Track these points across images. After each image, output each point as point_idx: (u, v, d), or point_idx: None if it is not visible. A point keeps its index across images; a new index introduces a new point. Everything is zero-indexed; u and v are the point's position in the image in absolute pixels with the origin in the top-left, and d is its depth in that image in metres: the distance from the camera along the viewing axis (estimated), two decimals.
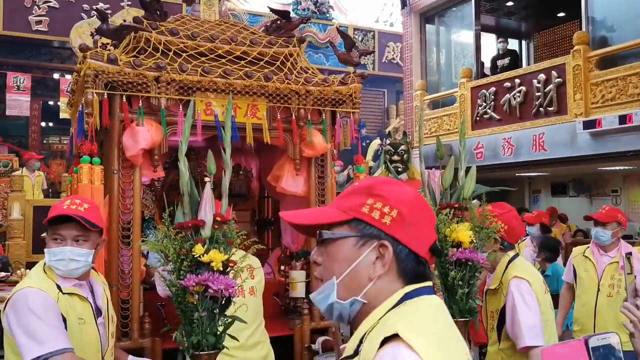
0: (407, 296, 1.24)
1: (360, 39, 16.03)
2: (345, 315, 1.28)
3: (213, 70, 3.50)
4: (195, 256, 2.06)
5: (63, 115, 12.27)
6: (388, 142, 6.52)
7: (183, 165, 2.19)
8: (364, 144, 13.20)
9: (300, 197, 3.91)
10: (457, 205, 2.61)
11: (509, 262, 2.98)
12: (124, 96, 3.32)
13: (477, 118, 10.37)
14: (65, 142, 15.69)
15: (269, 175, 4.00)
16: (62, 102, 12.67)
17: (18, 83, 13.14)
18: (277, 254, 4.59)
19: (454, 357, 1.18)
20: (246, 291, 3.21)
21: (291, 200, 4.09)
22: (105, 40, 3.77)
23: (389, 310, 1.22)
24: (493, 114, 10.07)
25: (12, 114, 13.34)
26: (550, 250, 6.03)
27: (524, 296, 2.83)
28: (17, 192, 9.45)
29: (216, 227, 2.14)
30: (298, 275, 3.91)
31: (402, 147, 6.23)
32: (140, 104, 3.33)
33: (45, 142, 16.18)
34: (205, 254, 2.07)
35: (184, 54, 3.54)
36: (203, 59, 3.58)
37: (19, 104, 13.18)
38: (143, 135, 3.28)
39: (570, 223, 11.02)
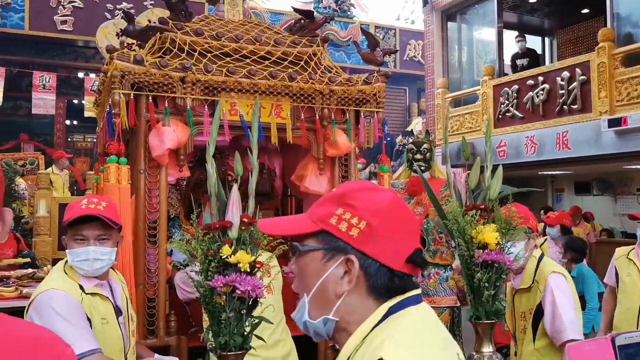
0: (391, 310, 1.17)
1: (381, 36, 15.97)
2: (323, 333, 1.22)
3: (238, 71, 3.52)
4: (222, 257, 2.08)
5: (87, 113, 12.44)
6: (410, 140, 6.49)
7: (210, 166, 2.21)
8: (384, 141, 13.16)
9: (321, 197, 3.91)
10: (483, 207, 2.59)
11: (539, 261, 2.99)
12: (150, 96, 3.36)
13: (500, 116, 10.28)
14: (89, 140, 15.91)
15: (293, 175, 4.02)
16: (87, 100, 12.85)
17: (44, 82, 13.32)
18: None
19: None
20: (264, 290, 3.24)
21: (314, 199, 4.07)
22: (130, 40, 3.82)
23: (373, 328, 1.16)
24: (516, 112, 9.98)
25: (38, 113, 13.54)
26: (576, 251, 5.92)
27: (563, 291, 2.85)
28: (43, 189, 9.61)
29: (243, 228, 2.15)
30: None
31: (425, 145, 6.19)
32: (166, 104, 3.37)
33: (69, 140, 16.40)
34: (232, 255, 2.08)
35: (209, 55, 3.57)
36: (228, 59, 3.61)
37: (45, 102, 13.36)
38: (169, 135, 3.32)
39: (594, 222, 10.90)
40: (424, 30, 12.91)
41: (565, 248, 5.85)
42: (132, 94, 3.30)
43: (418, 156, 6.09)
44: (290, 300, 3.67)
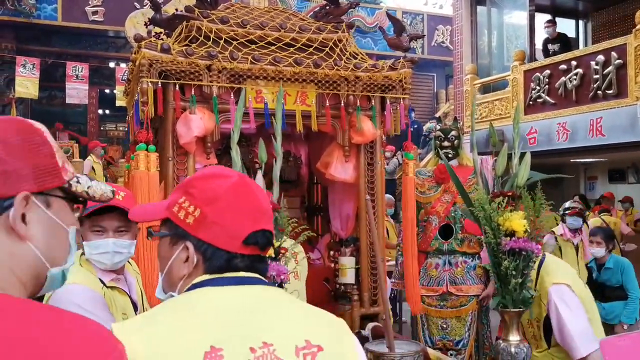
0: (193, 287, 1.26)
1: (408, 22, 15.79)
2: None
3: (263, 58, 3.52)
4: None
5: (119, 103, 12.61)
6: (438, 127, 6.43)
7: (235, 153, 2.22)
8: (411, 128, 13.05)
9: (349, 184, 3.92)
10: (510, 194, 2.56)
11: (540, 265, 2.84)
12: (176, 85, 3.38)
13: (530, 102, 10.11)
14: (121, 128, 16.16)
15: (318, 162, 4.02)
16: (118, 90, 13.03)
17: (76, 72, 13.55)
18: (326, 240, 4.61)
19: (175, 349, 1.13)
20: (291, 275, 3.28)
21: (340, 186, 4.10)
22: (158, 29, 3.85)
23: None
24: (547, 97, 9.80)
25: (72, 102, 13.79)
26: (612, 239, 5.70)
27: (567, 303, 2.72)
28: None
29: None
30: (347, 261, 3.93)
31: (453, 132, 6.11)
32: (193, 92, 3.39)
33: (102, 129, 16.68)
34: None
35: (235, 42, 3.57)
36: (253, 46, 3.60)
37: (78, 92, 13.60)
38: (196, 123, 3.34)
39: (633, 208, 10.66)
40: (453, 15, 12.74)
41: (607, 239, 5.57)
42: (159, 83, 3.32)
43: (445, 143, 6.03)
44: (311, 286, 3.70)
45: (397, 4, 16.78)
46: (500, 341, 2.57)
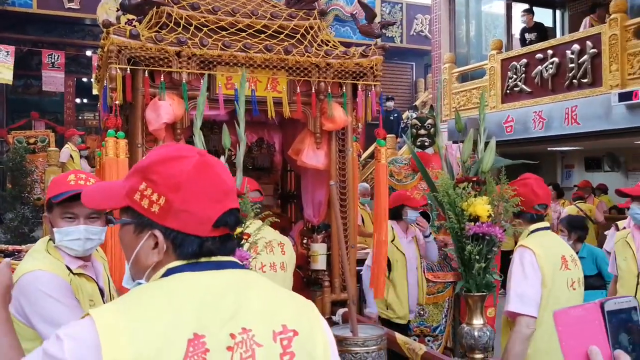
0: (167, 273, 1.23)
1: (387, 11, 15.77)
2: None
3: (233, 45, 3.51)
4: None
5: (96, 91, 12.47)
6: (414, 115, 6.46)
7: (198, 139, 2.21)
8: (391, 117, 13.08)
9: (321, 171, 3.93)
10: (475, 179, 2.59)
11: (530, 233, 2.92)
12: (146, 71, 3.36)
13: (507, 91, 10.19)
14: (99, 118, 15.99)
15: (290, 149, 4.02)
16: (95, 78, 12.87)
17: (52, 60, 13.38)
18: (299, 227, 4.63)
19: (158, 337, 1.11)
20: (277, 266, 3.30)
21: (312, 173, 4.11)
22: (132, 16, 3.81)
23: None
24: (524, 86, 9.88)
25: (48, 90, 13.63)
26: (580, 229, 5.62)
27: (524, 266, 2.77)
28: (53, 166, 9.72)
29: None
30: (319, 248, 3.95)
31: (429, 120, 6.15)
32: (162, 79, 3.37)
33: (80, 118, 16.49)
34: None
35: (205, 29, 3.55)
36: (223, 33, 3.59)
37: (54, 80, 13.45)
38: (165, 109, 3.32)
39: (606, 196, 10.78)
40: (431, 3, 12.76)
41: (570, 228, 5.53)
42: (128, 69, 3.29)
43: (422, 131, 6.08)
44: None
45: None
46: (464, 325, 2.60)
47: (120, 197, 1.29)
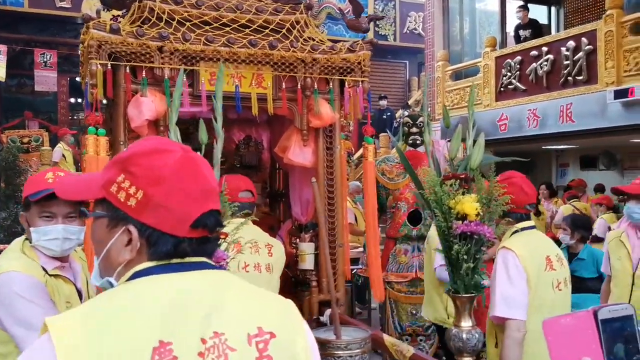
0: (135, 275, 1.17)
1: (380, 9, 15.65)
2: None
3: (217, 40, 3.43)
4: None
5: None
6: (406, 114, 6.40)
7: (173, 134, 2.13)
8: (384, 116, 13.00)
9: (309, 169, 3.85)
10: (462, 176, 2.50)
11: (514, 233, 2.84)
12: (127, 67, 3.28)
13: (502, 89, 10.12)
14: None
15: (277, 146, 3.94)
16: (80, 75, 12.80)
17: (45, 59, 13.30)
18: (288, 226, 4.55)
19: (122, 350, 1.05)
20: (262, 267, 3.21)
21: (300, 171, 4.04)
22: (117, 12, 3.74)
23: None
24: (518, 84, 9.81)
25: (41, 90, 13.55)
26: (584, 229, 5.52)
27: (508, 268, 2.68)
28: (46, 165, 9.66)
29: None
30: (307, 247, 3.87)
31: (421, 118, 6.08)
32: (144, 75, 3.29)
33: (75, 117, 16.41)
34: None
35: (188, 23, 3.47)
36: (207, 27, 3.51)
37: (47, 79, 13.38)
38: (147, 105, 3.25)
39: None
40: (425, 1, 12.68)
41: (573, 227, 5.41)
42: (109, 64, 3.21)
43: (414, 130, 6.00)
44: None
45: None
46: (452, 327, 2.52)
47: (96, 188, 1.23)
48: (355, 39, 3.88)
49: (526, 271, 2.69)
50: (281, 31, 3.67)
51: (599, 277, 5.09)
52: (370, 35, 15.72)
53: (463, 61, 11.78)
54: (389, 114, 13.28)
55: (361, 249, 7.26)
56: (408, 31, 16.35)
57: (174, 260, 1.18)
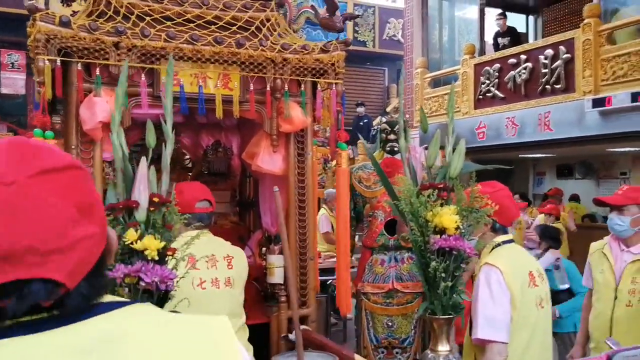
0: None
1: (360, 14, 15.50)
2: None
3: (179, 36, 3.18)
4: (126, 243, 1.76)
5: None
6: (384, 120, 6.20)
7: (116, 137, 1.88)
8: (361, 123, 12.81)
9: (280, 176, 3.62)
10: (441, 186, 2.28)
11: (495, 247, 2.61)
12: (78, 63, 3.01)
13: (480, 96, 9.99)
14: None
15: (244, 152, 3.70)
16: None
17: (12, 61, 12.88)
18: (258, 237, 4.31)
19: None
20: (221, 282, 2.94)
21: (270, 179, 3.80)
22: (78, 8, 3.49)
23: None
24: (497, 92, 9.69)
25: (8, 92, 13.12)
26: (552, 239, 5.39)
27: (490, 285, 2.46)
28: None
29: (152, 209, 1.83)
30: (275, 260, 3.63)
31: (398, 125, 5.89)
32: (98, 73, 3.03)
33: None
34: (138, 241, 1.76)
35: (148, 18, 3.22)
36: (169, 23, 3.26)
37: (14, 82, 12.97)
38: (101, 106, 2.98)
39: (579, 205, 10.66)
40: (404, 7, 12.55)
41: (541, 237, 5.36)
42: (58, 61, 2.94)
43: (392, 136, 5.80)
44: (247, 288, 3.37)
45: None
46: (429, 351, 2.30)
47: None
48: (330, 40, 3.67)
49: (510, 289, 2.47)
50: (250, 29, 3.44)
51: (569, 289, 5.07)
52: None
53: (442, 69, 11.65)
54: (366, 120, 13.09)
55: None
56: (387, 38, 16.18)
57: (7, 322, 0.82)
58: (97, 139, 3.07)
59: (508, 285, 2.47)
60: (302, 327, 3.52)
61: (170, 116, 2.02)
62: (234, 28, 3.39)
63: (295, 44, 3.48)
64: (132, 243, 1.74)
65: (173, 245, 1.90)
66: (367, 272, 5.40)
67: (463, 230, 2.22)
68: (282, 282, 3.63)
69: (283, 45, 3.40)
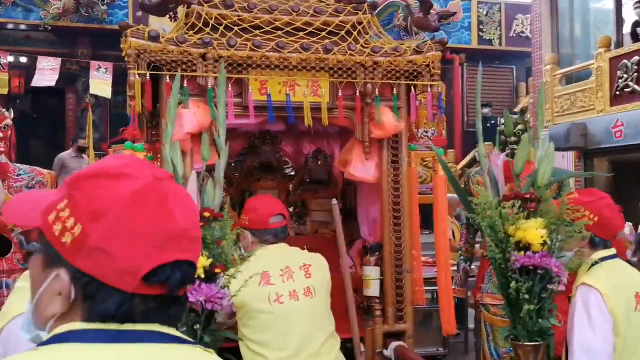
0: (53, 339, 0.86)
1: (484, 12, 14.80)
2: None
3: (265, 44, 3.15)
4: None
5: None
6: (503, 121, 5.84)
7: (168, 151, 1.85)
8: (488, 124, 12.21)
9: (376, 184, 3.49)
10: (527, 196, 2.03)
11: (594, 264, 2.30)
12: (167, 76, 3.08)
13: (617, 92, 9.14)
14: None
15: (337, 160, 3.61)
16: None
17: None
18: (359, 246, 4.18)
19: None
20: (300, 293, 2.84)
21: (367, 187, 3.69)
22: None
23: None
24: (636, 86, 8.80)
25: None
26: None
27: (588, 309, 2.18)
28: None
29: (202, 224, 1.77)
30: (370, 272, 3.50)
31: (519, 126, 5.52)
32: (186, 84, 3.07)
33: None
34: None
35: (236, 28, 3.22)
36: (256, 32, 3.24)
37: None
38: (188, 118, 3.03)
39: None
40: (531, 2, 11.84)
41: (637, 245, 4.76)
42: (147, 74, 3.03)
43: (512, 138, 5.46)
44: (340, 297, 3.27)
45: None
46: None
47: (37, 213, 0.94)
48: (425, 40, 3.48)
49: (613, 314, 2.16)
50: (339, 33, 3.34)
51: None
52: (474, 40, 15.01)
53: (574, 64, 10.83)
54: (492, 122, 12.50)
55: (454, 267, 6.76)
56: (515, 34, 15.35)
57: (108, 326, 0.87)
58: (186, 150, 3.11)
59: (610, 309, 2.16)
60: (398, 342, 3.36)
61: (223, 127, 1.97)
62: (323, 33, 3.31)
63: (386, 46, 3.33)
64: None
65: (245, 263, 1.86)
66: (486, 282, 5.12)
67: (551, 246, 1.95)
68: (377, 295, 3.49)
69: (373, 49, 3.27)
